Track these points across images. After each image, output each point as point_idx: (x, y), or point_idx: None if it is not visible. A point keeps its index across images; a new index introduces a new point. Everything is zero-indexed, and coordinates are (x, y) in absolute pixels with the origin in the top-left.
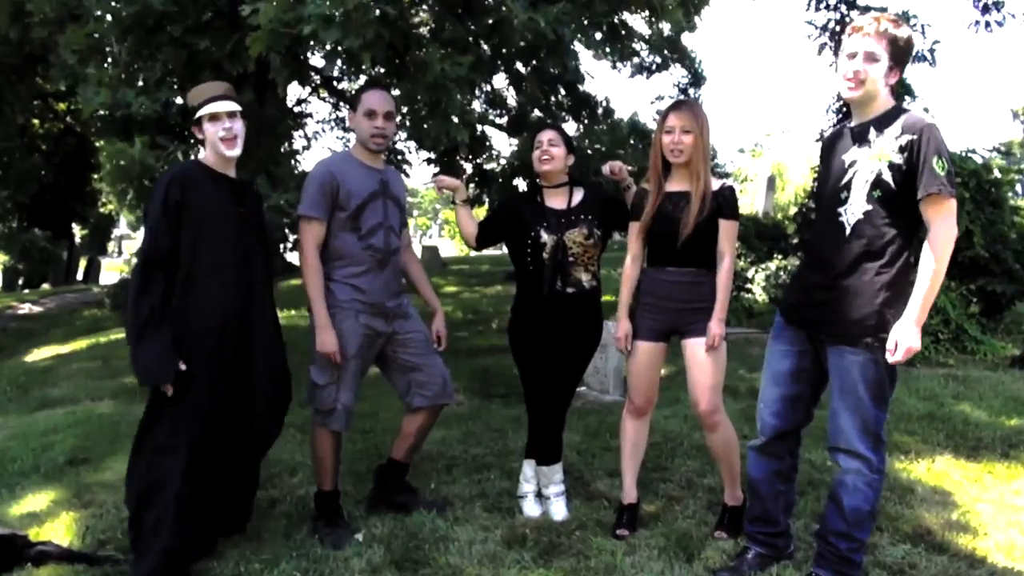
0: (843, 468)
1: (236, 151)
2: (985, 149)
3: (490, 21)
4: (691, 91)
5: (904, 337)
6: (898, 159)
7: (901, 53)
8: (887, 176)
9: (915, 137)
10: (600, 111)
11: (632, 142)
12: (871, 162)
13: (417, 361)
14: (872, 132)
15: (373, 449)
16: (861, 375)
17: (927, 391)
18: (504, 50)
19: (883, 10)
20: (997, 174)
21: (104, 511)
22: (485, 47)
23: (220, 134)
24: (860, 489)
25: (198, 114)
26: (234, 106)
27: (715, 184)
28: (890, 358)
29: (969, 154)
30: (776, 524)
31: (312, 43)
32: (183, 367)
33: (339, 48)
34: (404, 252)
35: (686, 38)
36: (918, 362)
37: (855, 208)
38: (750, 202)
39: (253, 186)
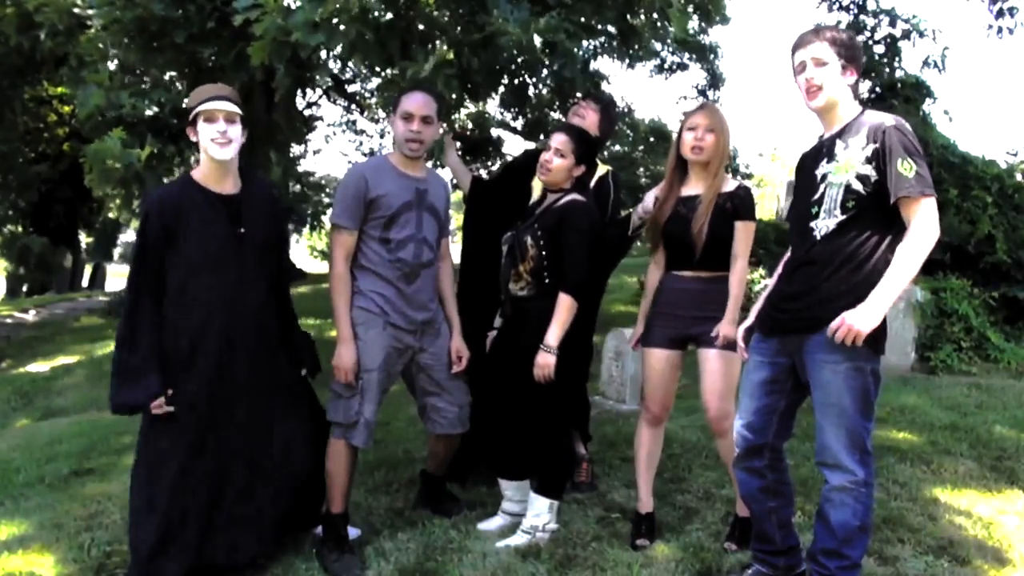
0: (830, 484)
1: (226, 154)
2: (1009, 154)
3: (479, 36)
4: (711, 92)
5: (854, 316)
6: (865, 170)
7: (848, 51)
8: (857, 186)
9: (878, 145)
10: (619, 111)
11: (652, 140)
12: (840, 175)
13: (436, 387)
14: (839, 145)
15: (386, 461)
16: (846, 384)
17: (950, 400)
18: (502, 60)
19: (892, 12)
20: (1020, 178)
21: (109, 522)
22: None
23: (212, 135)
24: (847, 504)
25: (193, 112)
26: (232, 107)
27: (730, 185)
28: (831, 335)
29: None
30: (772, 542)
31: (308, 54)
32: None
33: (330, 52)
34: (439, 262)
35: (709, 38)
36: (940, 371)
37: (828, 221)
38: (769, 207)
39: (264, 192)
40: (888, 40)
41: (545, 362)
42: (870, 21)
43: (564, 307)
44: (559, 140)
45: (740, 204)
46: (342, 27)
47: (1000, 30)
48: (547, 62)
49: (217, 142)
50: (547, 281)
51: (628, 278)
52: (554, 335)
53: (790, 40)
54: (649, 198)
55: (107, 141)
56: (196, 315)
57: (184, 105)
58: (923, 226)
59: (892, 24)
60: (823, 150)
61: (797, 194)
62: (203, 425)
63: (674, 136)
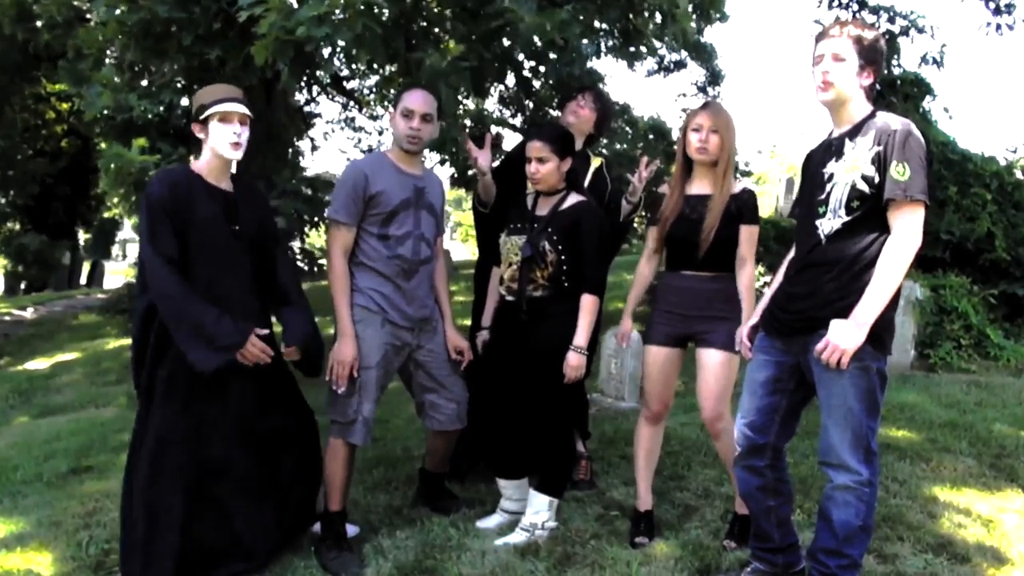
0: (832, 482)
1: (238, 155)
2: (1008, 151)
3: (494, 25)
4: (710, 90)
5: (839, 336)
6: (870, 171)
7: (870, 52)
8: (862, 187)
9: (882, 148)
10: (618, 109)
11: (651, 138)
12: (846, 174)
13: (433, 383)
14: (847, 144)
15: (384, 458)
16: (851, 384)
17: (949, 398)
18: (510, 54)
19: (891, 9)
20: (1020, 175)
21: (108, 520)
22: (487, 53)
23: (228, 137)
24: (850, 503)
25: (208, 112)
26: (247, 111)
27: (735, 187)
28: (819, 356)
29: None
30: (771, 540)
31: (312, 48)
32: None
33: (335, 48)
34: (435, 260)
35: (707, 36)
36: (939, 368)
37: (833, 220)
38: (769, 204)
39: (256, 194)
40: (887, 36)
41: (578, 363)
42: (870, 18)
43: (590, 308)
44: (534, 148)
45: (744, 207)
46: (348, 20)
47: (999, 27)
48: (554, 56)
49: (232, 143)
50: (566, 285)
51: (627, 276)
52: (583, 336)
53: (790, 37)
54: (634, 178)
55: (131, 150)
56: (200, 284)
57: (198, 102)
58: (902, 234)
59: (891, 20)
60: (831, 148)
61: (803, 190)
62: (214, 407)
63: (677, 134)
